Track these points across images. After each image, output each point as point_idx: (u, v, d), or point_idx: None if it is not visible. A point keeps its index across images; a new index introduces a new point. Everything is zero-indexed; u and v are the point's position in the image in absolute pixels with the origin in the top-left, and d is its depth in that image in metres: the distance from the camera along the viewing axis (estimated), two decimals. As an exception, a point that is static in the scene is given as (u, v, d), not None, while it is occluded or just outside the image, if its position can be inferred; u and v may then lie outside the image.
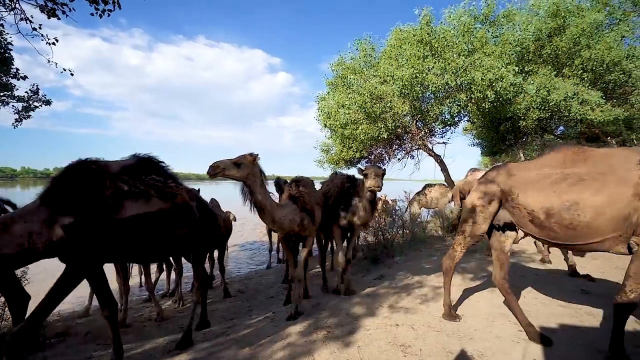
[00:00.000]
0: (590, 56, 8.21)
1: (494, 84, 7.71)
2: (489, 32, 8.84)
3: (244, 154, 3.02)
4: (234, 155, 3.05)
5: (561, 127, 12.98)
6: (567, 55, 8.77)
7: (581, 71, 8.55)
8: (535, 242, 5.90)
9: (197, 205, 3.18)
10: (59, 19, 3.96)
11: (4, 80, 7.77)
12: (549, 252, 5.33)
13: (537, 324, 3.00)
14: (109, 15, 4.10)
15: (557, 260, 5.21)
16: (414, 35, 8.59)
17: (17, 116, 8.36)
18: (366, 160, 11.70)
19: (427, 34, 8.47)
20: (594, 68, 8.42)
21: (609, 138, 10.96)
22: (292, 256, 3.94)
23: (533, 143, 17.40)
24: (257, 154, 3.04)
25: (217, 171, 2.84)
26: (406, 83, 8.13)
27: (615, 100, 9.19)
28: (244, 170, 2.93)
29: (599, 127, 9.74)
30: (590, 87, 8.47)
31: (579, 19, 8.20)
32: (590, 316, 3.19)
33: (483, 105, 8.37)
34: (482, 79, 7.59)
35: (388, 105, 8.76)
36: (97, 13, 3.96)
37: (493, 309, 3.45)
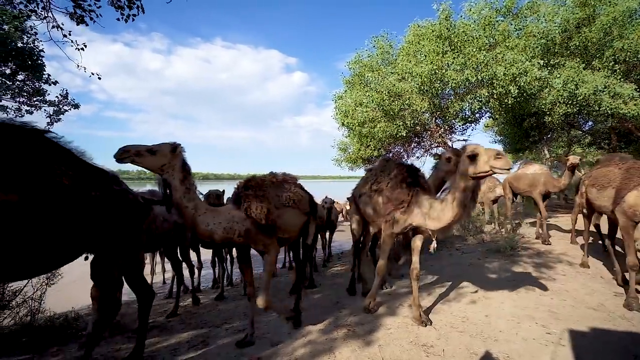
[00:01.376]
0: (622, 47, 7.78)
1: (517, 79, 7.45)
2: (511, 24, 8.54)
3: (165, 142, 2.58)
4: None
5: (590, 122, 12.41)
6: (597, 47, 8.36)
7: (612, 63, 8.11)
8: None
9: (100, 195, 2.31)
10: (87, 25, 4.14)
11: (37, 86, 8.21)
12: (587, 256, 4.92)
13: (566, 326, 2.89)
14: (133, 19, 4.24)
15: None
16: (432, 31, 8.42)
17: (48, 120, 8.81)
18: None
19: (446, 28, 8.28)
20: (627, 59, 7.98)
21: (643, 133, 10.36)
22: (248, 271, 3.21)
23: (559, 139, 16.73)
24: (180, 144, 2.60)
25: (125, 156, 2.40)
26: (425, 79, 7.98)
27: (650, 93, 8.68)
28: (159, 160, 2.49)
29: (632, 121, 9.22)
30: (622, 79, 8.03)
31: (610, 7, 7.79)
32: (624, 320, 3.04)
33: (506, 100, 8.10)
34: (504, 73, 7.35)
35: (406, 102, 8.63)
36: (122, 18, 4.11)
37: (518, 310, 3.34)
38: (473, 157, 2.56)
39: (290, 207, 3.16)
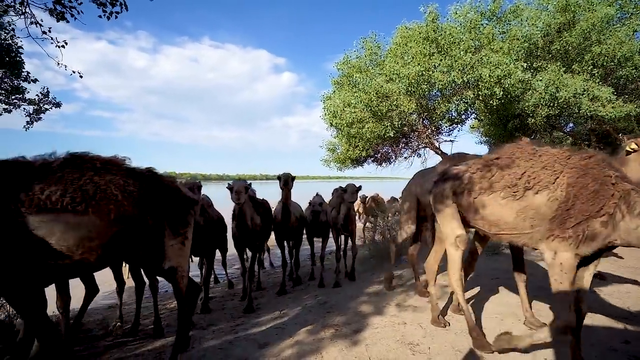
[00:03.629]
0: (601, 51, 8.04)
1: (501, 81, 7.61)
2: (496, 28, 8.73)
3: None
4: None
5: (571, 124, 12.79)
6: (576, 51, 8.61)
7: (591, 67, 8.38)
8: None
9: None
10: (67, 22, 4.02)
11: (16, 84, 7.92)
12: None
13: (548, 322, 2.97)
14: (116, 17, 4.14)
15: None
16: (419, 33, 8.53)
17: (28, 119, 8.51)
18: (372, 159, 11.66)
19: (433, 31, 8.40)
20: (604, 63, 8.25)
21: (620, 135, 10.75)
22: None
23: (542, 141, 17.21)
24: None
25: None
26: (412, 81, 8.08)
27: (627, 96, 9.00)
28: None
29: (610, 123, 9.55)
30: (600, 83, 8.31)
31: (590, 13, 8.04)
32: (602, 315, 3.14)
33: (491, 102, 8.28)
34: (489, 75, 7.50)
35: (394, 103, 8.71)
36: (104, 15, 4.01)
37: (502, 307, 3.42)
38: None
39: (67, 211, 1.95)
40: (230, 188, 4.08)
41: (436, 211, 2.95)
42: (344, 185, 4.94)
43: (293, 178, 4.60)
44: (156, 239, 2.35)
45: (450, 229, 2.81)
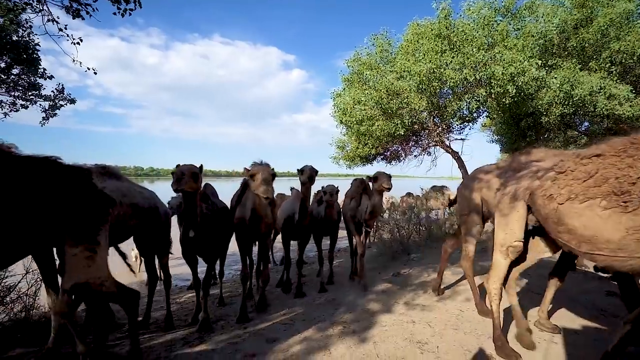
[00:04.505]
0: (619, 48, 7.83)
1: (515, 79, 7.47)
2: (510, 24, 8.56)
3: None
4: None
5: (586, 123, 12.50)
6: (594, 48, 8.40)
7: (609, 64, 8.17)
8: None
9: None
10: (83, 19, 4.10)
11: (32, 80, 8.12)
12: None
13: (559, 324, 2.92)
14: (130, 14, 4.20)
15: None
16: (431, 30, 8.42)
17: (44, 114, 8.72)
18: (382, 157, 11.60)
19: (446, 27, 8.29)
20: (623, 61, 8.03)
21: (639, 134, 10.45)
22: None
23: (556, 140, 16.84)
24: None
25: None
26: (423, 78, 7.99)
27: (646, 94, 8.75)
28: None
29: (627, 122, 9.29)
30: (618, 80, 8.09)
31: (608, 8, 7.82)
32: (615, 319, 3.07)
33: (503, 100, 8.14)
34: (502, 73, 7.37)
35: (405, 101, 8.64)
36: (119, 12, 4.07)
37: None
38: None
39: None
40: (252, 175, 3.05)
41: (499, 212, 2.54)
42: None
43: (316, 172, 3.78)
44: (49, 247, 1.89)
45: (507, 234, 2.43)
